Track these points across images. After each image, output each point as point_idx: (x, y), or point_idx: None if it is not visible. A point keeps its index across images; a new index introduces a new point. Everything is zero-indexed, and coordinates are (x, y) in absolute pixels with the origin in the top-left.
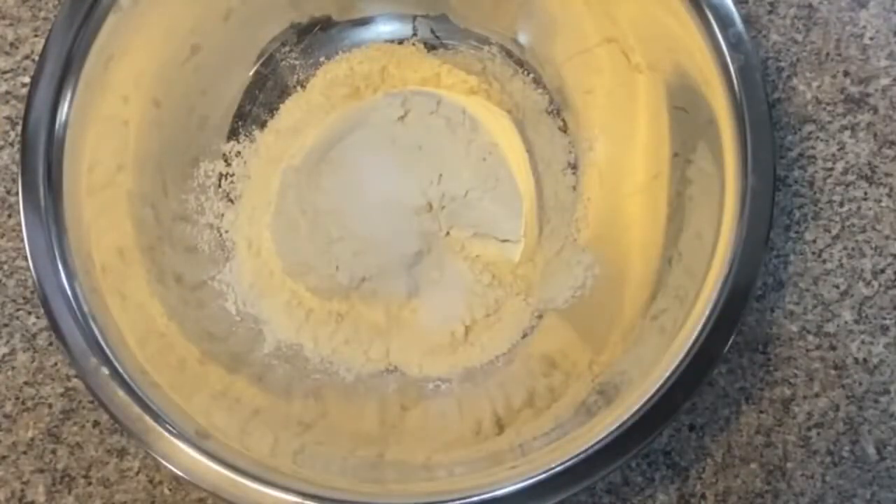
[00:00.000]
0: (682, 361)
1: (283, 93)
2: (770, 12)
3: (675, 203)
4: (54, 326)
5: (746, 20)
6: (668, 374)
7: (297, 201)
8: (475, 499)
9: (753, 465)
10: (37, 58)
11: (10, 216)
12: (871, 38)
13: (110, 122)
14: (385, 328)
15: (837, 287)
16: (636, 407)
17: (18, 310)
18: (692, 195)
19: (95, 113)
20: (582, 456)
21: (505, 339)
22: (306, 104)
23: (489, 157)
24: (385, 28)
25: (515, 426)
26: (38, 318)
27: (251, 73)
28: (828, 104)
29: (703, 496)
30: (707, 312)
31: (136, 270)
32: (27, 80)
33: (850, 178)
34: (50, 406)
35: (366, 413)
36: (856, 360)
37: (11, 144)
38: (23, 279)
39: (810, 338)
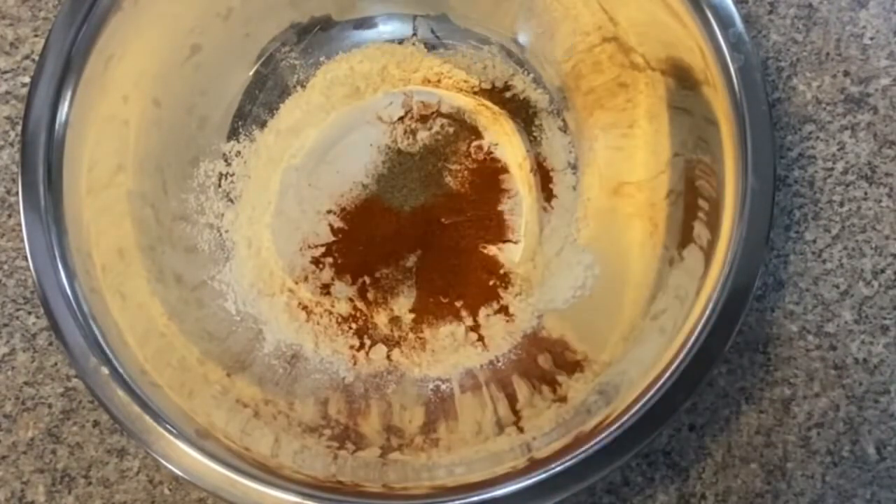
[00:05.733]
0: (682, 361)
1: (283, 93)
2: (770, 12)
3: (675, 203)
4: (54, 326)
5: (746, 20)
6: (668, 374)
7: (297, 201)
8: (475, 499)
9: (753, 465)
10: (37, 58)
11: (10, 216)
12: (871, 38)
13: (110, 122)
14: (386, 328)
15: (837, 287)
16: (636, 407)
17: (18, 310)
18: (692, 195)
19: (95, 113)
20: (582, 456)
21: (505, 339)
22: (306, 104)
23: (489, 158)
24: (385, 28)
25: (515, 426)
26: (38, 318)
27: (251, 73)
28: (828, 104)
29: (703, 496)
30: (707, 312)
31: (136, 270)
32: (27, 80)
33: (850, 178)
34: (50, 406)
35: (366, 413)
36: (856, 360)
37: (11, 144)
38: (23, 279)
39: (810, 338)
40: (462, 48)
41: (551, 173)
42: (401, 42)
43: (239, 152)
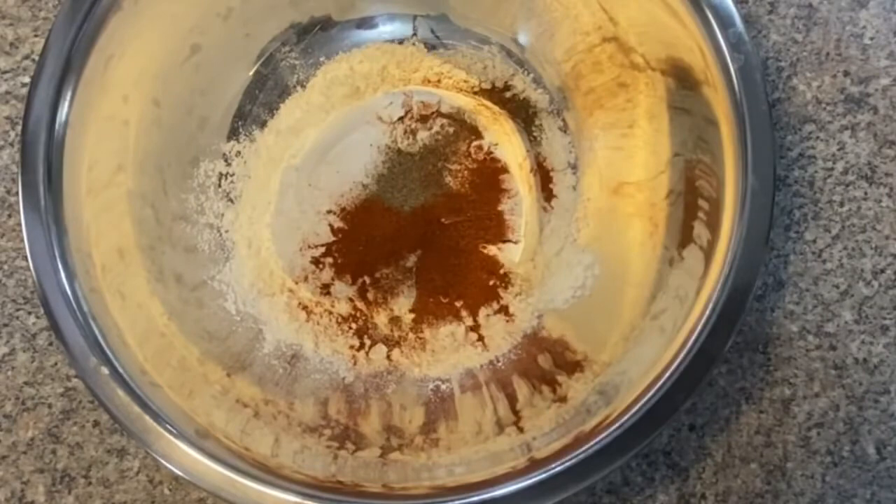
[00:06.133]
0: (682, 361)
1: (283, 93)
2: (770, 12)
3: (675, 203)
4: (54, 326)
5: (746, 20)
6: (668, 374)
7: (297, 201)
8: (475, 499)
9: (753, 465)
10: (37, 58)
11: (10, 216)
12: (871, 38)
13: (110, 122)
14: (386, 328)
15: (837, 287)
16: (636, 407)
17: (18, 310)
18: (692, 195)
19: (95, 113)
20: (582, 456)
21: (505, 339)
22: (306, 104)
23: (489, 158)
24: (385, 28)
25: (515, 426)
26: (38, 318)
27: (251, 73)
28: (828, 104)
29: (703, 496)
30: (707, 312)
31: (136, 270)
32: (27, 80)
33: (850, 178)
34: (50, 406)
35: (366, 413)
36: (856, 360)
37: (11, 144)
38: (23, 279)
39: (810, 338)
40: (462, 48)
41: (551, 173)
42: (401, 42)
43: (239, 152)
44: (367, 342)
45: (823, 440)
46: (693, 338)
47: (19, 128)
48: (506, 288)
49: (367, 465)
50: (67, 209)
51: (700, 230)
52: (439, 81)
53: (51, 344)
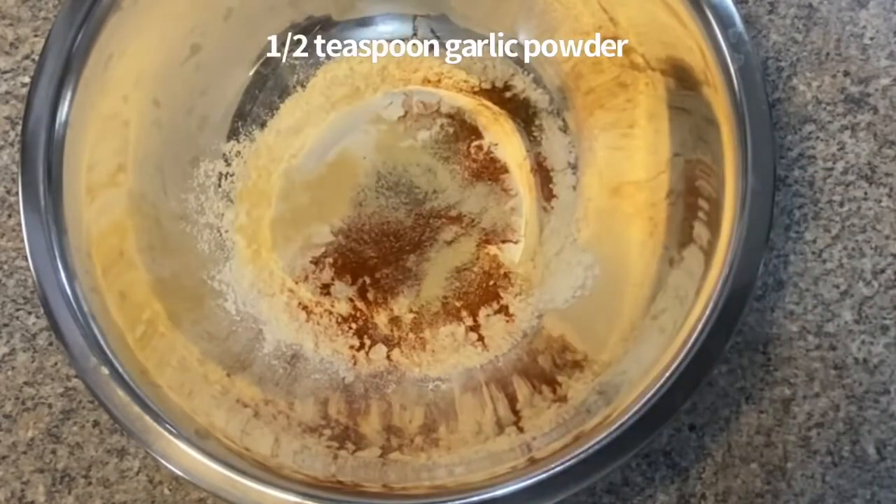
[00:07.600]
0: (682, 361)
1: (283, 93)
2: (770, 12)
3: (675, 203)
4: (54, 326)
5: (746, 20)
6: (668, 374)
7: (297, 201)
8: (475, 499)
9: (753, 465)
10: (37, 58)
11: (10, 216)
12: (871, 38)
13: (110, 122)
14: (386, 328)
15: (837, 287)
16: (636, 407)
17: (18, 310)
18: (692, 195)
19: (95, 113)
20: (582, 456)
21: (505, 339)
22: (306, 104)
23: (489, 158)
24: (385, 28)
25: (515, 426)
26: (38, 318)
27: (251, 73)
28: (828, 104)
29: (703, 496)
30: (707, 312)
31: (136, 270)
32: (27, 80)
33: (850, 178)
34: (50, 406)
35: (366, 413)
36: (856, 360)
37: (11, 144)
38: (23, 279)
39: (810, 338)
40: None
41: (551, 173)
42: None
43: (239, 152)
44: (367, 342)
45: (823, 440)
46: (693, 338)
47: (19, 128)
48: (506, 288)
49: (367, 465)
50: (67, 209)
51: (700, 230)
52: (439, 81)
53: (51, 344)
